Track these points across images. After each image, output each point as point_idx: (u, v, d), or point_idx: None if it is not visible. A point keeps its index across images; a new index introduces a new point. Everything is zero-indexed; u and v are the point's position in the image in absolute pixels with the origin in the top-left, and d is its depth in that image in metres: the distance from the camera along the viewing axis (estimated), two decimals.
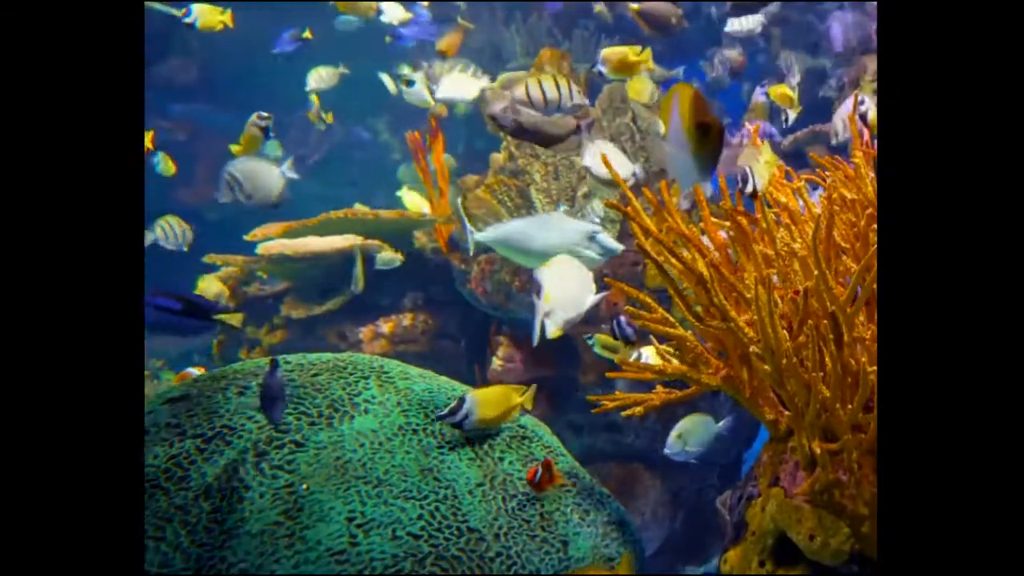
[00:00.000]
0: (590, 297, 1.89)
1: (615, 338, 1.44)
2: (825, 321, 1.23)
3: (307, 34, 3.43)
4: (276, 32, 3.49)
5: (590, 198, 2.60)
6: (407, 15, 3.57)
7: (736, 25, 3.36)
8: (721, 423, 2.11)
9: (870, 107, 2.15)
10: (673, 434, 2.09)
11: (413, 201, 3.23)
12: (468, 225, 2.16)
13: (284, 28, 3.49)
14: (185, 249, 2.79)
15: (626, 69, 2.29)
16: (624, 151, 2.74)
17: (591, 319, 2.60)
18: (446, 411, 1.53)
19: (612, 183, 1.83)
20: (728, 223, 1.49)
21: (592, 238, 2.00)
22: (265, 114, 2.45)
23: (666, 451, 2.13)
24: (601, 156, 1.76)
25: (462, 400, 1.54)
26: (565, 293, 1.84)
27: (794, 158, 2.91)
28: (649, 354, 1.83)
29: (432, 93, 2.99)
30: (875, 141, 1.52)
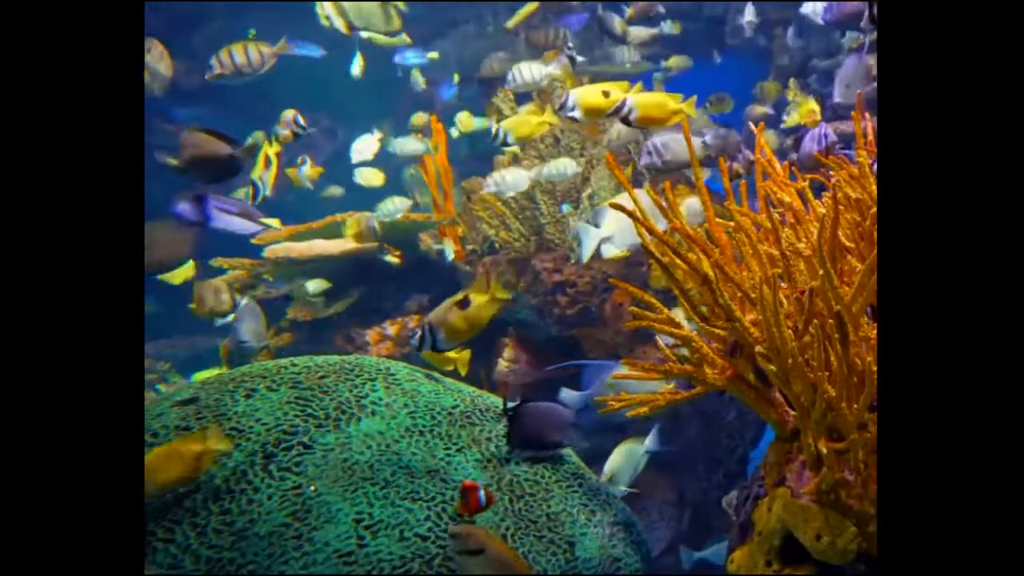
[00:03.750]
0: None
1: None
2: (830, 320, 1.24)
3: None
4: (279, 36, 3.50)
5: (594, 199, 2.61)
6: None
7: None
8: (647, 441, 2.14)
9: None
10: (604, 476, 2.10)
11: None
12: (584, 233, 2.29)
13: (289, 31, 3.49)
14: None
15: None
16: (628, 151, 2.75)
17: (594, 320, 2.62)
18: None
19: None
20: (732, 223, 1.50)
21: None
22: (303, 123, 2.47)
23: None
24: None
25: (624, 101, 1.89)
26: (623, 223, 2.04)
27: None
28: None
29: None
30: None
